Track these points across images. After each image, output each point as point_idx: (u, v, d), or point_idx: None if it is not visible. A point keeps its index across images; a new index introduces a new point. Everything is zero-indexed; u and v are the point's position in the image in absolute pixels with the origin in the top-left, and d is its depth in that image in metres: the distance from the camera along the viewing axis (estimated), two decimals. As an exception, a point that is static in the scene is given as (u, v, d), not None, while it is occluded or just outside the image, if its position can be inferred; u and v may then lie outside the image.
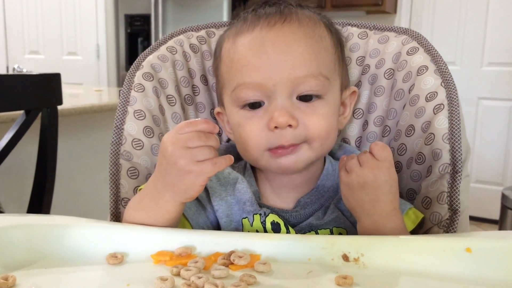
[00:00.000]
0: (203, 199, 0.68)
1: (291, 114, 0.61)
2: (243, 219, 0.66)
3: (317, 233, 0.65)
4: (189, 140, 0.54)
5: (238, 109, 0.65)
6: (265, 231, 0.64)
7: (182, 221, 0.65)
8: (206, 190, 0.68)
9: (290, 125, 0.61)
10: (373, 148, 0.59)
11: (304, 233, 0.65)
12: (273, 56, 0.61)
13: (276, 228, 0.64)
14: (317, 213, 0.67)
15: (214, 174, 0.55)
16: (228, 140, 0.82)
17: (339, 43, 0.71)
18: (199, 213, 0.67)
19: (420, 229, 0.68)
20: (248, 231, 0.65)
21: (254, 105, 0.63)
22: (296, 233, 0.65)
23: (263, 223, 0.64)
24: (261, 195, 0.70)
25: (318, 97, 0.63)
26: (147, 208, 0.59)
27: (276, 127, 0.61)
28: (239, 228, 0.66)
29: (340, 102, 0.70)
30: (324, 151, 0.67)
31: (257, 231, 0.65)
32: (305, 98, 0.63)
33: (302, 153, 0.63)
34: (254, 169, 0.72)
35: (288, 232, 0.64)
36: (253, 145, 0.63)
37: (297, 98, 0.63)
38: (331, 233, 0.65)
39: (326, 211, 0.67)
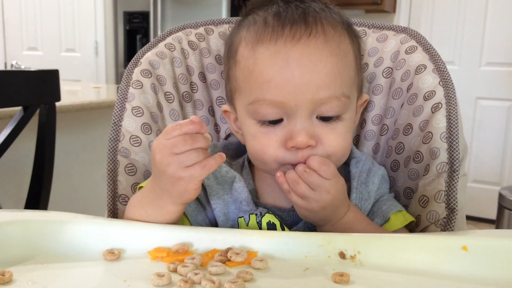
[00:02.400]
0: (202, 198, 0.68)
1: (311, 134, 0.60)
2: (239, 218, 0.66)
3: None
4: (175, 146, 0.53)
5: (255, 122, 0.63)
6: None
7: (182, 218, 0.65)
8: (204, 188, 0.67)
9: (309, 145, 0.60)
10: (319, 169, 0.59)
11: None
12: (298, 76, 0.59)
13: (272, 229, 0.64)
14: None
15: (206, 176, 0.55)
16: (226, 137, 0.81)
17: (359, 50, 0.69)
18: (198, 211, 0.67)
19: (416, 227, 0.68)
20: None
21: (272, 121, 0.62)
22: None
23: (259, 223, 0.64)
24: (259, 193, 0.70)
25: (338, 117, 0.62)
26: (148, 207, 0.59)
27: (293, 147, 0.60)
28: (235, 227, 0.66)
29: (355, 115, 0.69)
30: (338, 166, 0.65)
31: None
32: (324, 119, 0.62)
33: None
34: (252, 167, 0.72)
35: None
36: (269, 158, 0.62)
37: (316, 117, 0.61)
38: None
39: None
